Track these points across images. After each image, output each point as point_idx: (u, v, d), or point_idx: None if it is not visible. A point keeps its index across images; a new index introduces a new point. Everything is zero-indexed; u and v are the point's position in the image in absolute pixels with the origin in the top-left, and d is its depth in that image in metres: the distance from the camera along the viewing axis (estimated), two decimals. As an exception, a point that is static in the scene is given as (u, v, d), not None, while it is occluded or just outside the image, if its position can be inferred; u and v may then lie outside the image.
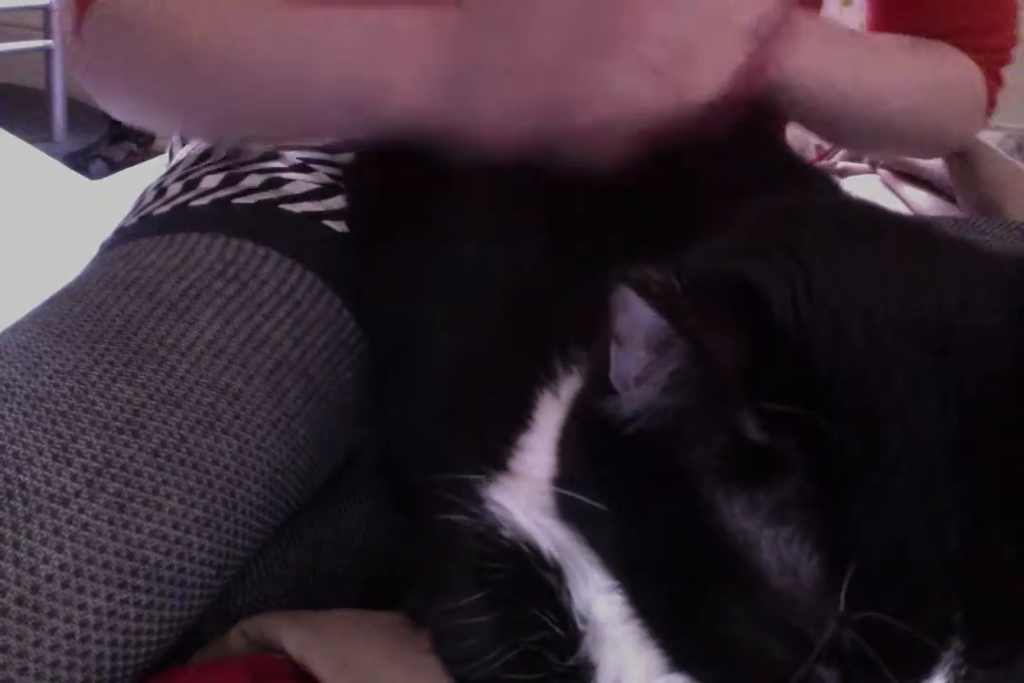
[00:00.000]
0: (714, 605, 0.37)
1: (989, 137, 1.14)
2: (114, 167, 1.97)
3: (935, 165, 1.01)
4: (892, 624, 0.34)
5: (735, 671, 0.38)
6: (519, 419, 0.49)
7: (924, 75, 0.78)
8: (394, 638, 0.53)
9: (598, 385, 0.41)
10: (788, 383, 0.35)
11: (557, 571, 0.45)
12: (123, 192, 0.88)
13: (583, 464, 0.42)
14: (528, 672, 0.44)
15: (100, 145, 2.09)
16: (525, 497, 0.47)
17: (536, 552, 0.46)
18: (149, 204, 0.75)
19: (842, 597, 0.34)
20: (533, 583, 0.45)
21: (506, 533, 0.47)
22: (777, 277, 0.38)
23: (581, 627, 0.44)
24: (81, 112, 2.10)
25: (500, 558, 0.47)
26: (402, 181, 0.72)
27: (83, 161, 2.02)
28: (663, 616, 0.40)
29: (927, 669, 0.35)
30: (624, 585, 0.41)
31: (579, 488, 0.41)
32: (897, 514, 0.34)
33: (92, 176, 1.69)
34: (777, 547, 0.36)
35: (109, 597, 0.51)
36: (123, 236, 0.73)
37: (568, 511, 0.43)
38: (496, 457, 0.49)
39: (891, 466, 0.34)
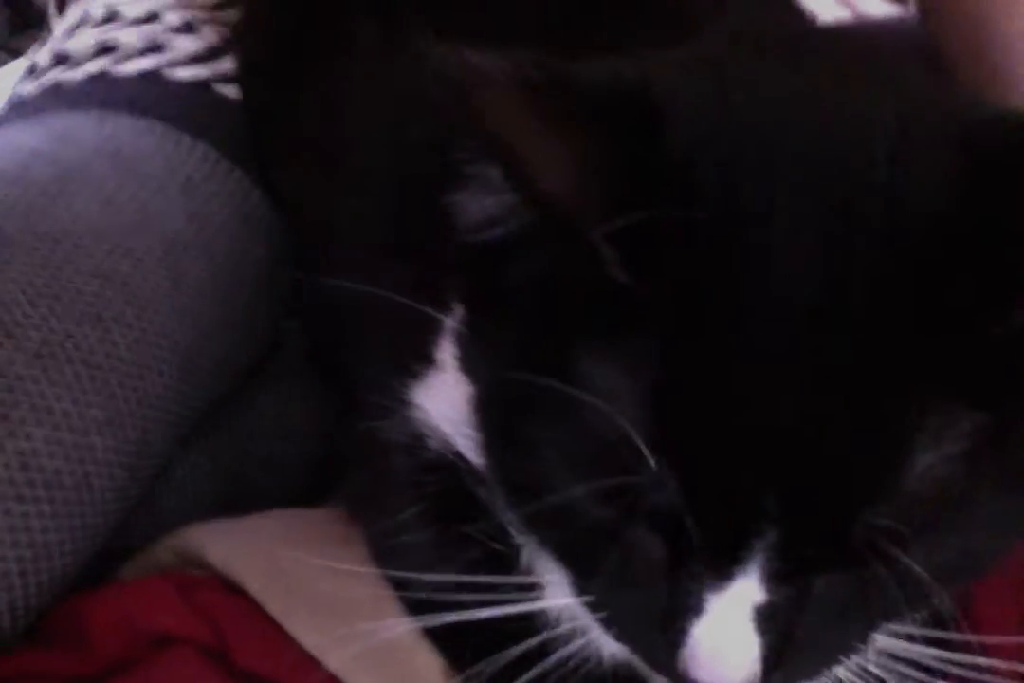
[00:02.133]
0: (533, 447, 0.34)
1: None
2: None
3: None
4: (704, 495, 0.30)
5: (552, 520, 0.35)
6: (443, 302, 0.43)
7: None
8: (331, 541, 0.50)
9: None
10: (661, 217, 0.30)
11: (484, 480, 0.41)
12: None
13: (465, 304, 0.38)
14: (472, 591, 0.40)
15: (1, 38, 1.95)
16: (447, 394, 0.42)
17: (466, 462, 0.42)
18: (20, 85, 0.68)
19: (650, 456, 0.30)
20: (465, 496, 0.42)
21: (432, 444, 0.44)
22: (689, 92, 0.32)
23: (518, 540, 0.41)
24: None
25: (428, 471, 0.44)
26: (296, 36, 0.66)
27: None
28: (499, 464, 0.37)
29: (738, 550, 0.31)
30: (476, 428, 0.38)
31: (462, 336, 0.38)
32: (735, 377, 0.30)
33: (-4, 70, 1.58)
34: (604, 399, 0.31)
35: (6, 511, 0.46)
36: None
37: (464, 367, 0.39)
38: (421, 348, 0.44)
39: (745, 326, 0.30)
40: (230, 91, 0.67)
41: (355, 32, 0.59)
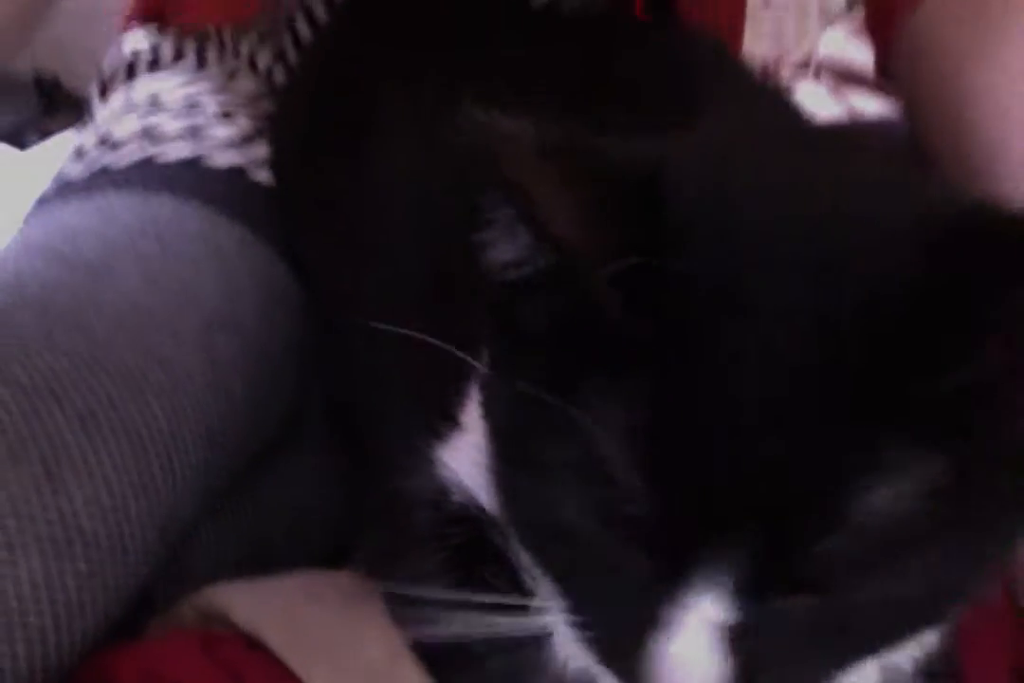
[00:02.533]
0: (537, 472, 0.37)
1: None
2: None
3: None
4: (677, 514, 0.34)
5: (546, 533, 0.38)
6: (465, 367, 0.46)
7: None
8: (351, 602, 0.51)
9: None
10: (657, 266, 0.34)
11: (504, 531, 0.43)
12: (58, 159, 0.85)
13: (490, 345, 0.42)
14: (488, 635, 0.42)
15: (34, 119, 2.02)
16: (469, 452, 0.45)
17: (488, 514, 0.44)
18: (67, 167, 0.72)
19: (636, 477, 0.34)
20: (485, 546, 0.44)
21: (455, 498, 0.46)
22: (697, 171, 0.37)
23: (531, 586, 0.43)
24: (8, 86, 2.03)
25: (452, 523, 0.46)
26: (327, 126, 0.70)
27: (18, 137, 1.95)
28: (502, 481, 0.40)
29: (704, 568, 0.34)
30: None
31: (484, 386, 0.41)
32: (708, 417, 0.34)
33: (28, 152, 1.64)
34: (601, 424, 0.35)
35: (45, 569, 0.49)
36: (42, 204, 0.70)
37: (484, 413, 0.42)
38: (445, 411, 0.47)
39: (721, 375, 0.34)
40: (263, 176, 0.71)
41: (383, 105, 0.63)
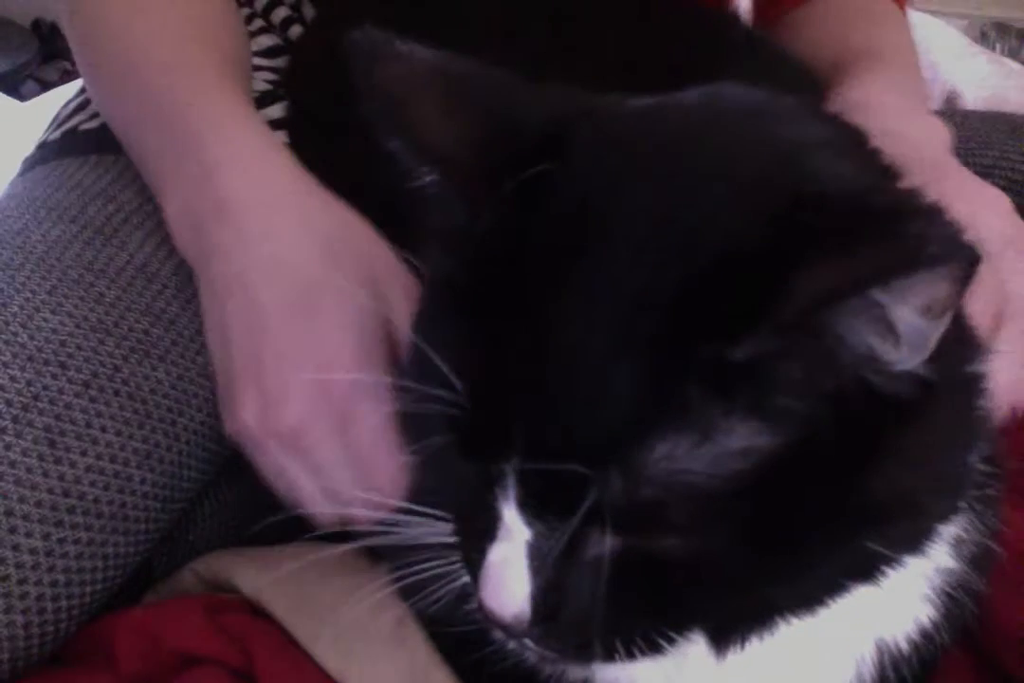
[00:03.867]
0: None
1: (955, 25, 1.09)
2: (47, 88, 1.86)
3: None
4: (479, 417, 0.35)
5: None
6: None
7: None
8: (352, 573, 0.51)
9: None
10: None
11: None
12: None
13: None
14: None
15: (31, 65, 1.99)
16: None
17: None
18: (73, 116, 0.70)
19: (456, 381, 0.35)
20: None
21: None
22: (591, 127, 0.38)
23: None
24: (8, 30, 2.00)
25: None
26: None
27: (13, 82, 1.92)
28: None
29: (498, 475, 0.35)
30: None
31: None
32: (537, 338, 0.34)
33: (23, 98, 1.61)
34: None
35: (45, 536, 0.48)
36: (46, 153, 0.68)
37: None
38: None
39: (558, 303, 0.35)
40: (278, 135, 0.68)
41: None
